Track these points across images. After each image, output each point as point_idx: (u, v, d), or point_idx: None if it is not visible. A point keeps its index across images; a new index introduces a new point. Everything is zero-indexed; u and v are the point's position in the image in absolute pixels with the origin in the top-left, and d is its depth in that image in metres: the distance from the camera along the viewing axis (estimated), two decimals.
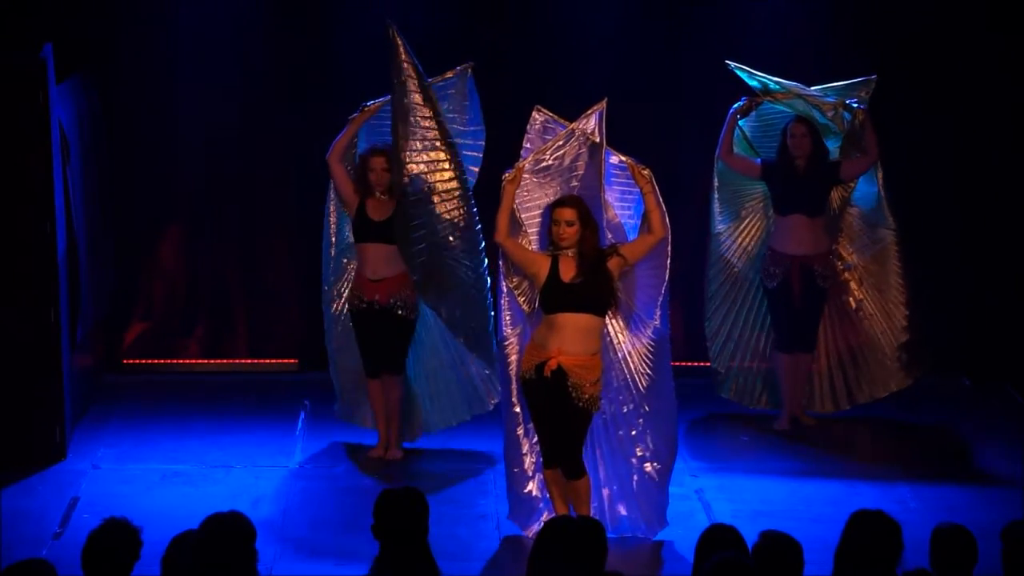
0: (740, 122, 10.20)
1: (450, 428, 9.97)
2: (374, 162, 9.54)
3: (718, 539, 5.88)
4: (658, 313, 8.35)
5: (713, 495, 9.18)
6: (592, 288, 8.16)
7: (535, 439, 8.40)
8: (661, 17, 11.47)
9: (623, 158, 8.39)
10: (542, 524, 8.19)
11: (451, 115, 9.44)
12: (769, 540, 5.80)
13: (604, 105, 8.37)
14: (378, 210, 9.52)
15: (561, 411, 8.16)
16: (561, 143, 8.37)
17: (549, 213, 8.26)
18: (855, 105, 10.01)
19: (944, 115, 11.39)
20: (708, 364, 10.66)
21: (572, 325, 8.13)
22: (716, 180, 10.31)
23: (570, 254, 8.21)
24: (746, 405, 10.55)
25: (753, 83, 10.06)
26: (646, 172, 8.30)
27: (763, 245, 10.34)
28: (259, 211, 11.65)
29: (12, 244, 9.44)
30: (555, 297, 8.17)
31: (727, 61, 10.06)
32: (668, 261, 8.35)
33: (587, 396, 8.13)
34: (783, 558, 5.75)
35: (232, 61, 11.43)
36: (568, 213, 8.18)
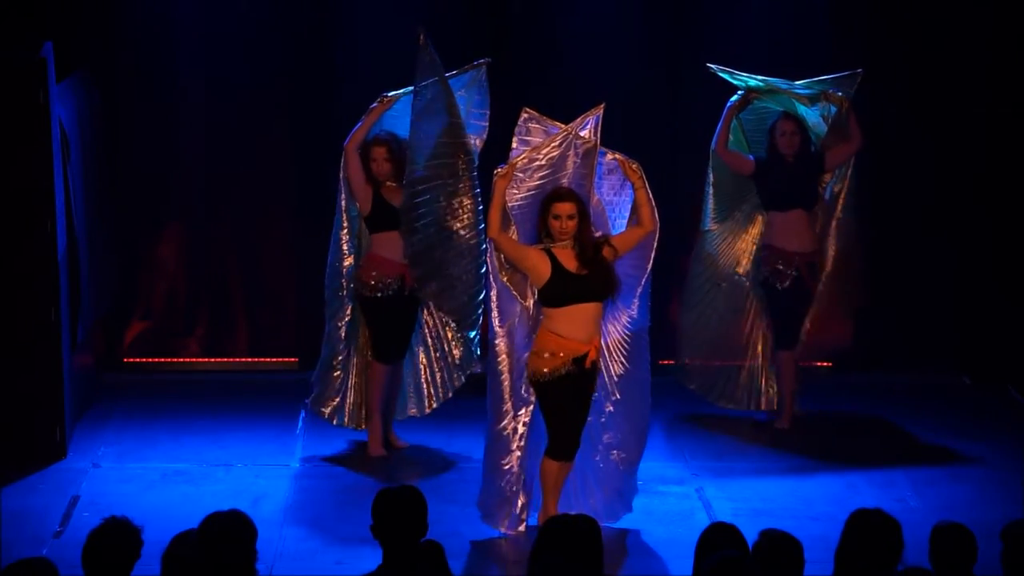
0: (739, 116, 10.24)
1: (446, 426, 10.01)
2: (375, 152, 9.56)
3: (718, 538, 5.88)
4: (636, 304, 8.45)
5: (713, 494, 9.18)
6: (598, 278, 8.27)
7: (520, 433, 8.43)
8: (659, 13, 11.49)
9: (613, 155, 8.43)
10: (539, 523, 8.33)
11: (462, 107, 9.46)
12: (769, 539, 5.81)
13: (601, 110, 8.39)
14: (397, 197, 9.53)
15: (584, 397, 8.31)
16: (556, 145, 8.38)
17: (544, 207, 8.29)
18: (839, 94, 10.04)
19: (945, 114, 11.41)
20: (707, 363, 10.67)
21: (589, 314, 8.24)
22: (711, 175, 10.33)
23: (567, 246, 8.25)
24: (710, 400, 10.54)
25: (737, 83, 10.10)
26: (636, 166, 8.36)
27: (752, 247, 10.36)
28: (260, 210, 11.65)
29: (12, 243, 9.44)
30: (566, 290, 8.23)
31: (708, 64, 10.09)
32: (652, 254, 8.45)
33: (597, 374, 8.36)
34: (783, 557, 5.76)
35: (233, 59, 11.43)
36: (569, 207, 8.24)
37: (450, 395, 9.83)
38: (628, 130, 11.28)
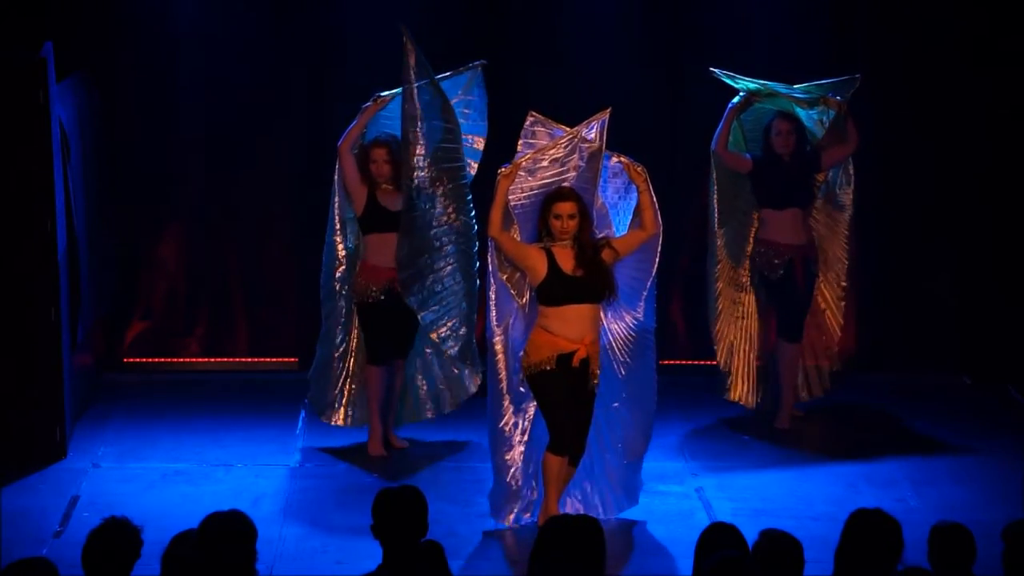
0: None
1: (447, 426, 10.03)
2: (375, 153, 9.56)
3: (718, 538, 5.88)
4: (642, 306, 8.55)
5: (713, 494, 9.18)
6: (594, 279, 8.31)
7: (521, 428, 8.49)
8: (660, 14, 11.49)
9: (619, 158, 8.47)
10: (539, 521, 8.37)
11: (458, 110, 9.46)
12: (769, 539, 5.80)
13: (607, 114, 8.41)
14: (391, 200, 9.52)
15: (581, 396, 8.32)
16: (562, 147, 8.41)
17: (545, 206, 8.32)
18: (837, 98, 10.07)
19: (946, 114, 11.41)
20: (708, 363, 10.66)
21: (583, 315, 8.29)
22: (714, 172, 10.32)
23: (567, 246, 8.28)
24: (748, 407, 10.53)
25: (738, 86, 10.12)
26: (641, 169, 8.41)
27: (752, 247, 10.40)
28: (260, 210, 11.65)
29: (12, 243, 9.43)
30: (560, 290, 8.27)
31: (711, 68, 10.10)
32: (656, 257, 8.52)
33: (597, 377, 8.37)
34: (783, 557, 5.75)
35: (233, 59, 11.43)
36: (569, 207, 8.28)
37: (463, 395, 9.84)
38: (628, 130, 11.26)
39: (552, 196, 8.33)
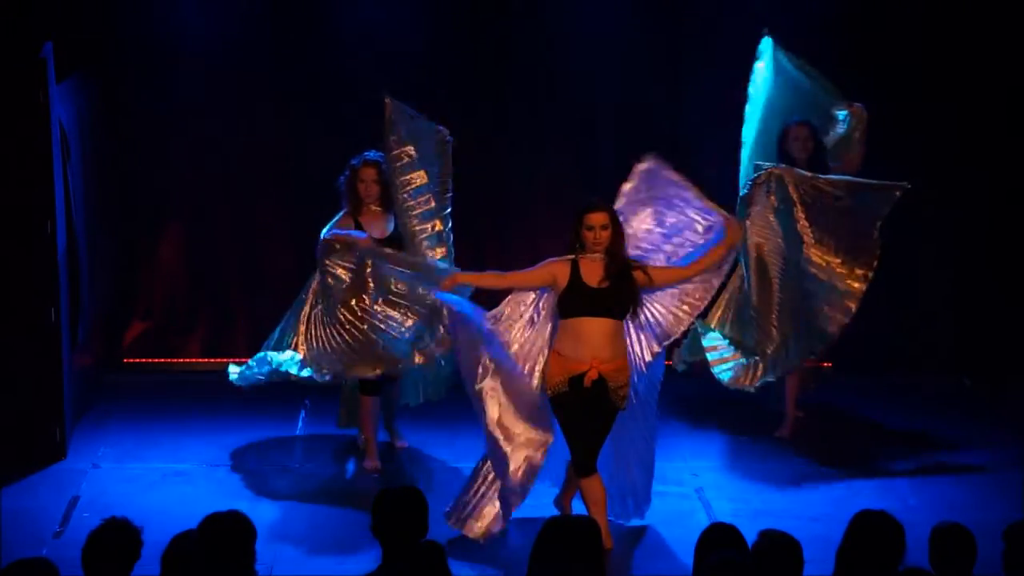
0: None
1: (447, 426, 10.02)
2: (364, 173, 9.43)
3: (718, 538, 5.89)
4: (661, 353, 8.52)
5: (713, 494, 9.19)
6: (617, 293, 8.23)
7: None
8: (665, 21, 11.49)
9: (721, 213, 8.56)
10: (555, 502, 8.39)
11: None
12: (769, 539, 5.81)
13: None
14: (377, 226, 9.47)
15: (596, 414, 8.22)
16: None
17: (577, 218, 8.28)
18: (857, 105, 10.00)
19: (944, 113, 11.41)
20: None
21: (599, 331, 8.18)
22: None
23: (597, 259, 8.24)
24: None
25: (783, 61, 10.00)
26: (739, 229, 8.57)
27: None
28: (260, 210, 11.65)
29: (12, 243, 9.44)
30: (577, 301, 8.20)
31: (764, 29, 10.02)
32: (703, 306, 8.54)
33: (622, 395, 8.22)
34: (783, 557, 5.76)
35: (233, 60, 11.43)
36: (601, 218, 8.24)
37: None
38: (628, 130, 11.29)
39: (584, 208, 8.29)
